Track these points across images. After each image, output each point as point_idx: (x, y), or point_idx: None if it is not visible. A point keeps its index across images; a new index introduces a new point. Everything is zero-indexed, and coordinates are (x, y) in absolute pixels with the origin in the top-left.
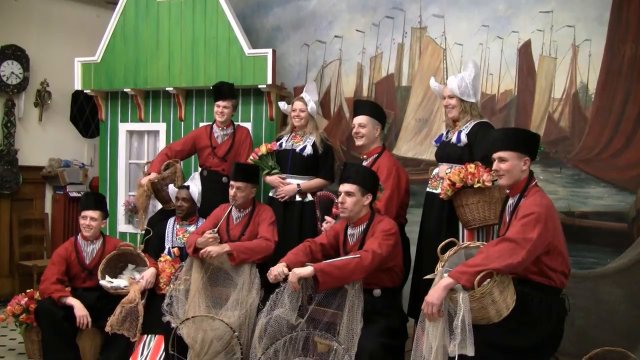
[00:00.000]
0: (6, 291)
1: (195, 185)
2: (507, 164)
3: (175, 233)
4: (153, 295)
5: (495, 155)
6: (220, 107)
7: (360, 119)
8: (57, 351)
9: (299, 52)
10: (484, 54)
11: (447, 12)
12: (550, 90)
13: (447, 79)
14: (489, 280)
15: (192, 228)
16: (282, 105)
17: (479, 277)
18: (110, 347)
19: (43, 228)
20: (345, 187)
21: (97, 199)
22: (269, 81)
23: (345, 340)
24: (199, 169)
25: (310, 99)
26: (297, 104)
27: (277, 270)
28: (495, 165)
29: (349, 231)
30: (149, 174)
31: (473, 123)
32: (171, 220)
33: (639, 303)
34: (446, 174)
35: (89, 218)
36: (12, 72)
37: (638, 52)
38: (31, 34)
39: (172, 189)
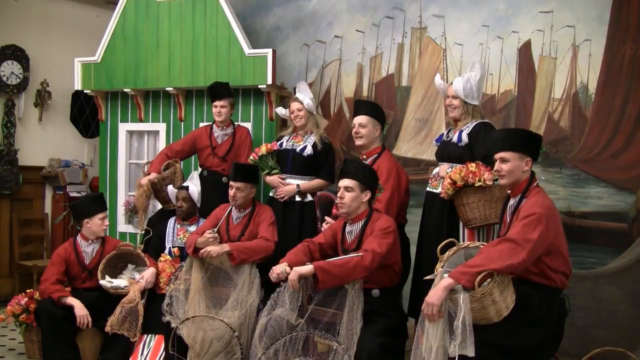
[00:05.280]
0: (6, 291)
1: (194, 185)
2: (509, 164)
3: (175, 233)
4: (153, 295)
5: (497, 155)
6: (218, 107)
7: (361, 119)
8: (57, 351)
9: (299, 52)
10: (484, 54)
11: (447, 12)
12: (550, 90)
13: (447, 79)
14: (489, 280)
15: (192, 228)
16: (280, 110)
17: (479, 277)
18: (110, 347)
19: (43, 228)
20: (344, 182)
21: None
22: (269, 81)
23: (345, 340)
24: (199, 169)
25: (304, 96)
26: (294, 105)
27: (279, 269)
28: (496, 166)
29: (347, 228)
30: (149, 174)
31: (474, 123)
32: (172, 220)
33: (639, 303)
34: (447, 173)
35: None
36: (12, 72)
37: (638, 52)
38: (31, 34)
39: (171, 189)
